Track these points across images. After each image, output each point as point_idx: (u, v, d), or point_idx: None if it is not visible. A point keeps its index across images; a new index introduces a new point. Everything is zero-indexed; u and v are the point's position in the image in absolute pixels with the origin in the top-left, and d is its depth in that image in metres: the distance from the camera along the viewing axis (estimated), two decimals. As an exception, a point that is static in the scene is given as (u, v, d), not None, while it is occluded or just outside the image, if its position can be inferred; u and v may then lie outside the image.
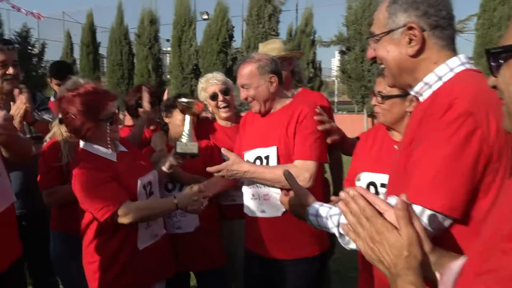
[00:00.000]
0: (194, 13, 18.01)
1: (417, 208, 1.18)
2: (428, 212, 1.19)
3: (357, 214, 1.09)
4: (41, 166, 2.60)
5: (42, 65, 20.63)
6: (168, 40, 20.38)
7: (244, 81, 2.42)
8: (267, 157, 2.38)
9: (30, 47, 20.54)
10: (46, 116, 3.08)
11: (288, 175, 1.73)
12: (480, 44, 12.82)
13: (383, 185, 2.01)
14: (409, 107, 1.98)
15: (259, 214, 2.42)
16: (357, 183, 2.14)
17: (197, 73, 17.84)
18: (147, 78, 18.39)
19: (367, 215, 1.07)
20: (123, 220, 2.14)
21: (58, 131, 2.57)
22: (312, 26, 15.93)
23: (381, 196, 2.00)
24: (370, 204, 1.09)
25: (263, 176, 2.30)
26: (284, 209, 2.27)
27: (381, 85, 2.05)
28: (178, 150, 2.42)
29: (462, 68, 1.34)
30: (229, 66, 17.04)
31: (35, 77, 19.45)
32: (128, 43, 19.47)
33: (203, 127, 3.00)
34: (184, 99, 2.51)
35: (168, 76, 19.47)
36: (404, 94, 1.95)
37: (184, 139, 2.43)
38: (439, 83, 1.34)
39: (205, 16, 18.03)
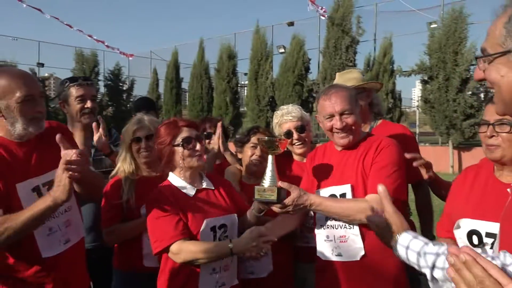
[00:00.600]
0: (270, 47, 18.48)
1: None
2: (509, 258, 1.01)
3: (474, 286, 0.89)
4: (103, 203, 2.61)
5: (131, 99, 22.38)
6: (245, 74, 21.07)
7: (345, 106, 2.18)
8: (343, 196, 2.19)
9: (120, 84, 22.44)
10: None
11: (383, 192, 1.52)
12: None
13: (488, 235, 1.75)
14: (491, 139, 1.73)
15: (334, 258, 2.21)
16: (456, 232, 1.87)
17: (273, 105, 18.10)
18: (225, 110, 19.06)
19: None
20: (174, 258, 2.10)
21: (121, 168, 2.58)
22: (391, 55, 15.49)
23: (487, 248, 1.76)
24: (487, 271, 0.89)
25: (330, 208, 2.09)
26: (363, 253, 2.11)
27: (493, 111, 1.69)
28: (256, 196, 2.10)
29: None
30: (304, 98, 17.08)
31: (124, 111, 21.09)
32: (208, 78, 20.45)
33: (278, 161, 2.91)
34: (265, 138, 2.21)
35: (245, 108, 20.00)
36: None
37: (265, 182, 2.09)
38: None
39: (282, 50, 18.38)
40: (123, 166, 2.56)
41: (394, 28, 15.91)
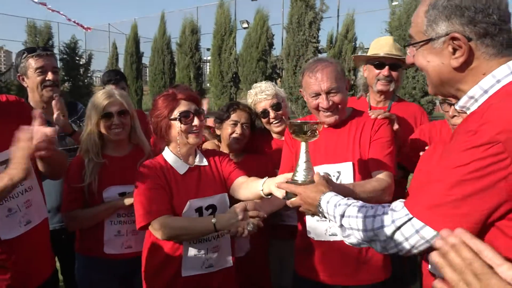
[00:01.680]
0: (234, 22, 18.18)
1: (418, 223, 1.15)
2: (430, 231, 1.14)
3: (461, 269, 0.84)
4: (64, 181, 2.44)
5: (89, 75, 21.51)
6: (208, 49, 20.68)
7: (332, 84, 2.06)
8: (337, 175, 2.12)
9: (77, 58, 21.47)
10: None
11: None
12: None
13: None
14: (453, 119, 1.82)
15: (327, 238, 2.15)
16: None
17: (236, 81, 17.95)
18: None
19: (476, 271, 0.82)
20: (157, 234, 2.03)
21: (85, 147, 2.36)
22: (354, 32, 15.62)
23: None
24: (477, 254, 0.84)
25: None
26: None
27: None
28: (289, 195, 1.72)
29: (508, 79, 1.14)
30: (268, 74, 17.03)
31: (81, 87, 20.27)
32: (170, 53, 19.93)
33: (257, 140, 2.84)
34: (297, 121, 1.78)
35: (208, 85, 19.71)
36: None
37: (298, 176, 1.72)
38: (485, 97, 1.16)
39: (245, 25, 18.13)
40: (87, 145, 2.37)
41: (356, 5, 16.00)
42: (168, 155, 2.16)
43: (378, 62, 2.70)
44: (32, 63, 2.66)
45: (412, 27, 1.25)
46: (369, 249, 2.12)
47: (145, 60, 22.00)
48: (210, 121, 3.00)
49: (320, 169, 2.12)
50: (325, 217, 1.55)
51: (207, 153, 2.29)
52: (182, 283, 2.09)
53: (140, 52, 21.31)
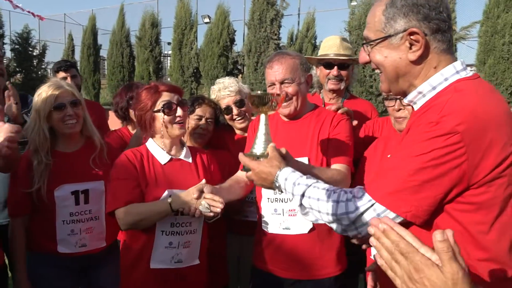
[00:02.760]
0: (195, 16, 17.97)
1: (380, 208, 1.24)
2: (391, 214, 1.24)
3: (391, 250, 0.96)
4: (11, 185, 2.30)
5: (43, 66, 20.57)
6: (169, 43, 20.34)
7: (286, 75, 2.13)
8: None
9: (30, 49, 20.49)
10: None
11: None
12: (482, 52, 12.73)
13: None
14: (398, 112, 1.95)
15: (281, 232, 2.20)
16: None
17: (197, 76, 17.77)
18: (147, 80, 18.32)
19: (402, 251, 0.95)
20: (120, 223, 2.03)
21: (34, 144, 2.19)
22: (315, 30, 15.85)
23: None
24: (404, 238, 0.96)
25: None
26: (311, 226, 2.15)
27: None
28: (245, 168, 1.73)
29: (457, 77, 1.28)
30: (229, 70, 16.97)
31: (35, 79, 19.38)
32: (129, 46, 19.42)
33: (220, 135, 2.85)
34: (258, 92, 1.78)
35: (169, 79, 19.40)
36: None
37: (256, 148, 1.73)
38: (433, 93, 1.30)
39: (206, 20, 17.96)
40: (36, 143, 2.21)
41: (317, 3, 16.23)
42: (152, 145, 2.16)
43: (328, 63, 2.81)
44: None
45: (368, 28, 1.35)
46: (323, 244, 2.17)
47: (103, 53, 21.35)
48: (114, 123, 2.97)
49: None
50: (281, 192, 1.57)
51: (194, 151, 2.28)
52: (153, 277, 2.09)
53: (98, 45, 20.63)
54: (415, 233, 1.13)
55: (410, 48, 1.28)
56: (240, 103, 2.74)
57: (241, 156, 1.69)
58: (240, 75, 17.56)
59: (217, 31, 16.78)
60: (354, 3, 15.34)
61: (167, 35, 19.18)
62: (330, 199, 1.35)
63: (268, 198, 2.24)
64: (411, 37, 1.27)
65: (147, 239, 2.09)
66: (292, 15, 16.87)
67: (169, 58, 20.90)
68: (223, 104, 2.77)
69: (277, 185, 1.55)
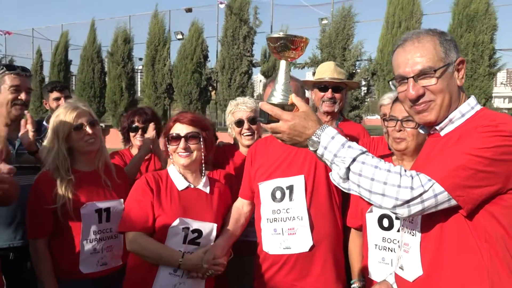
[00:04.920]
0: (168, 33, 17.97)
1: (439, 188, 1.33)
2: (446, 195, 1.34)
3: None
4: (31, 205, 2.28)
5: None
6: (140, 59, 20.19)
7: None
8: (290, 188, 2.19)
9: (-3, 64, 19.94)
10: None
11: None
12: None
13: (398, 218, 1.95)
14: (399, 133, 2.05)
15: (282, 252, 2.19)
16: (368, 216, 2.09)
17: (170, 93, 17.69)
18: (119, 96, 18.11)
19: None
20: (127, 243, 2.14)
21: (53, 166, 2.23)
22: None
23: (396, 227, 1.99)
24: None
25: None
26: (311, 244, 2.14)
27: (401, 110, 1.95)
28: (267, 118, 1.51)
29: (479, 106, 1.51)
30: (203, 86, 16.99)
31: None
32: (101, 61, 19.20)
33: (224, 152, 2.89)
34: (281, 33, 1.51)
35: (141, 95, 19.19)
36: None
37: (275, 98, 1.51)
38: (462, 120, 1.49)
39: (180, 36, 17.99)
40: (56, 163, 2.24)
41: (289, 21, 16.56)
42: (172, 170, 2.26)
43: (322, 86, 2.95)
44: (8, 80, 2.64)
45: (427, 60, 1.47)
46: (325, 262, 2.18)
47: (73, 69, 20.97)
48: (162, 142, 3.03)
49: (274, 183, 2.22)
50: (312, 151, 1.44)
51: (213, 181, 2.34)
52: None
53: (69, 60, 20.30)
54: (459, 229, 1.38)
55: (458, 75, 1.49)
56: (253, 120, 2.81)
57: (265, 105, 1.46)
58: (214, 91, 17.60)
59: (191, 47, 16.82)
60: (325, 22, 15.73)
61: (139, 51, 19.18)
62: (392, 169, 1.36)
63: (268, 219, 2.24)
64: (461, 65, 1.50)
65: (73, 248, 2.22)
66: (265, 32, 17.10)
67: (140, 74, 20.72)
68: (236, 117, 2.81)
69: (315, 140, 1.41)
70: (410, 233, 1.57)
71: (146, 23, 17.99)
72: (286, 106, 1.48)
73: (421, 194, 1.33)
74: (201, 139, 2.20)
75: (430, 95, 1.48)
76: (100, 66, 19.14)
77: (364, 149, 1.41)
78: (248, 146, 2.81)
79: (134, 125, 2.97)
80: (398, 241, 1.91)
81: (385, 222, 2.05)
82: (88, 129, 2.30)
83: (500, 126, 1.36)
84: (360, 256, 2.25)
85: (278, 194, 2.22)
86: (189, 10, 18.66)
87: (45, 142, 2.40)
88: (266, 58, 16.13)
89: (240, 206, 2.40)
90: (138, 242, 2.09)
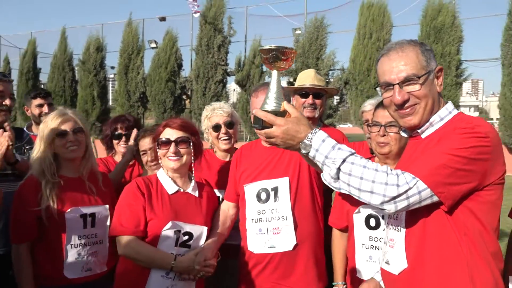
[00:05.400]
0: (142, 42, 17.84)
1: (422, 185, 1.43)
2: (429, 192, 1.44)
3: None
4: (15, 209, 2.26)
5: (-25, 90, 19.36)
6: (112, 67, 19.95)
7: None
8: (275, 189, 2.26)
9: (-38, 71, 19.27)
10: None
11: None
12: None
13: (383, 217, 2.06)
14: (382, 138, 2.13)
15: (266, 251, 2.26)
16: (356, 216, 2.16)
17: (144, 101, 17.51)
18: (91, 105, 17.80)
19: None
20: (118, 247, 2.14)
21: (39, 169, 2.23)
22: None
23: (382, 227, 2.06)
24: None
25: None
26: (295, 242, 2.21)
27: (384, 116, 2.07)
28: (261, 124, 1.59)
29: (456, 111, 1.63)
30: (177, 95, 16.90)
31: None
32: (72, 70, 18.84)
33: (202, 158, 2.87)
34: (273, 45, 1.59)
35: (113, 104, 18.91)
36: None
37: (268, 105, 1.58)
38: (441, 123, 1.61)
39: (153, 45, 17.88)
40: (41, 166, 2.25)
41: (263, 31, 16.72)
42: (161, 174, 2.29)
43: (304, 92, 3.03)
44: None
45: (411, 67, 1.58)
46: (308, 260, 2.25)
47: (43, 77, 20.47)
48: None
49: (259, 185, 2.29)
50: (304, 153, 1.53)
51: (201, 185, 2.38)
52: None
53: (38, 68, 19.82)
54: (440, 224, 1.49)
55: (438, 82, 1.61)
56: (229, 125, 2.84)
57: (259, 112, 1.54)
58: (188, 100, 17.52)
59: (165, 56, 16.74)
60: (298, 32, 15.98)
61: (111, 60, 18.95)
62: (379, 169, 1.46)
63: (253, 219, 2.30)
64: (439, 72, 1.62)
65: (57, 255, 2.20)
66: (239, 41, 17.25)
67: (111, 82, 20.44)
68: (213, 121, 2.83)
69: (307, 143, 1.50)
70: (395, 229, 1.66)
71: (119, 32, 17.84)
72: (278, 113, 1.57)
73: (406, 191, 1.43)
74: (191, 144, 2.25)
75: (414, 100, 1.59)
76: (71, 75, 18.81)
77: (353, 151, 1.50)
78: (225, 151, 2.86)
79: (117, 132, 2.95)
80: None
81: (372, 222, 2.13)
82: (71, 136, 2.31)
83: (476, 128, 1.48)
84: (344, 258, 2.32)
85: (263, 195, 2.28)
86: (163, 19, 18.61)
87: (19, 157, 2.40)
88: (241, 67, 16.22)
89: (226, 209, 2.45)
90: (131, 246, 2.11)
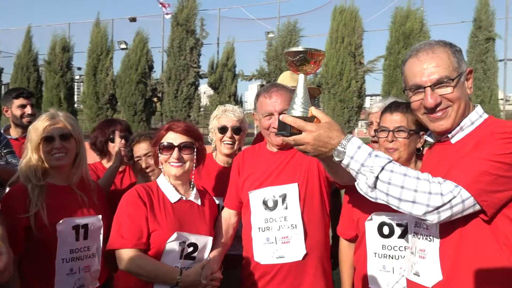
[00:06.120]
0: (111, 42, 17.43)
1: (465, 194, 1.36)
2: (472, 201, 1.37)
3: None
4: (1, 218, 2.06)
5: None
6: (79, 68, 19.42)
7: (285, 106, 1.95)
8: (283, 196, 2.14)
9: None
10: (12, 160, 2.78)
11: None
12: (387, 83, 13.93)
13: (399, 225, 1.98)
14: (391, 143, 2.03)
15: (275, 261, 2.13)
16: (368, 224, 2.06)
17: (113, 103, 17.10)
18: (57, 107, 17.24)
19: None
20: (118, 263, 1.95)
21: (25, 173, 2.07)
22: (234, 59, 16.18)
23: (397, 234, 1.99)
24: None
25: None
26: (305, 252, 2.11)
27: (392, 120, 2.00)
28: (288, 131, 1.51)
29: (486, 115, 1.58)
30: (148, 97, 16.59)
31: None
32: (37, 70, 18.20)
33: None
34: (301, 48, 1.52)
35: (81, 106, 18.41)
36: (419, 130, 1.98)
37: (295, 111, 1.51)
38: (472, 127, 1.55)
39: (123, 46, 17.51)
40: (26, 171, 2.07)
41: (236, 33, 16.66)
42: (162, 182, 2.13)
43: None
44: None
45: (443, 69, 1.52)
46: (316, 271, 2.16)
47: (5, 77, 19.66)
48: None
49: (266, 192, 2.18)
50: (337, 161, 1.44)
51: (203, 193, 2.25)
52: None
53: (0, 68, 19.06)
54: (479, 234, 1.42)
55: (468, 85, 1.55)
56: (237, 130, 2.70)
57: (287, 117, 1.46)
58: (159, 103, 17.22)
59: (136, 57, 16.42)
60: (271, 35, 16.01)
61: (79, 60, 18.43)
62: (421, 177, 1.38)
63: (259, 228, 2.17)
64: (469, 74, 1.56)
65: (46, 268, 2.03)
66: (212, 44, 17.12)
67: (76, 83, 19.88)
68: (220, 123, 2.70)
69: (340, 150, 1.42)
70: (427, 239, 1.58)
71: (87, 32, 17.37)
72: (306, 118, 1.47)
73: (450, 200, 1.36)
74: (195, 149, 2.12)
75: (447, 103, 1.53)
76: (36, 75, 18.17)
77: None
78: (226, 155, 2.74)
79: (111, 136, 2.78)
80: (400, 248, 1.95)
81: (385, 230, 2.04)
82: (58, 143, 2.12)
83: None
84: (352, 269, 2.25)
85: (270, 203, 2.17)
86: (133, 19, 18.26)
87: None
88: (213, 69, 16.09)
89: (228, 217, 2.34)
90: (133, 260, 1.93)
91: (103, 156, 2.88)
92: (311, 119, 1.48)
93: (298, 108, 1.50)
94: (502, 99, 15.48)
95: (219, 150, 2.77)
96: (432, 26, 14.32)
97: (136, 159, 2.58)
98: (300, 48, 1.49)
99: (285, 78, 3.08)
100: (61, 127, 2.15)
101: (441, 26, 15.67)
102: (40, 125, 2.11)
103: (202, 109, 17.11)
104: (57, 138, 2.13)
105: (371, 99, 17.43)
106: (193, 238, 2.04)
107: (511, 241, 1.42)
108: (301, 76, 1.53)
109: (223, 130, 2.71)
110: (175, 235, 1.98)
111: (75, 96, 20.15)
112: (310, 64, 1.50)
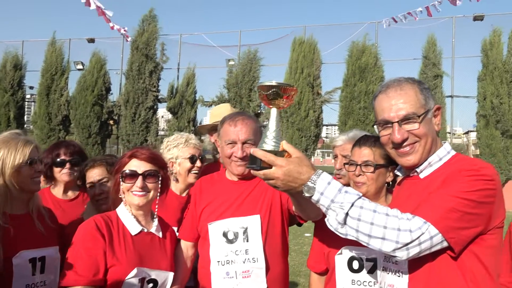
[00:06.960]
0: (67, 62, 16.95)
1: (433, 231, 1.38)
2: (440, 238, 1.39)
3: None
4: None
5: None
6: (31, 87, 18.66)
7: (250, 136, 2.08)
8: (244, 228, 2.06)
9: None
10: None
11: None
12: (344, 114, 14.35)
13: (368, 260, 1.96)
14: (358, 177, 2.03)
15: None
16: (338, 258, 2.02)
17: (66, 125, 16.50)
18: (5, 127, 16.38)
19: None
20: None
21: None
22: (194, 85, 16.14)
23: (365, 272, 1.97)
24: None
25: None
26: (265, 286, 2.04)
27: (360, 154, 2.02)
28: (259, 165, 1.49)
29: (454, 152, 1.63)
30: (104, 119, 16.14)
31: None
32: (-15, 88, 17.32)
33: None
34: (274, 82, 1.51)
35: (31, 127, 17.61)
36: (387, 165, 1.99)
37: (267, 145, 1.50)
38: (439, 163, 1.59)
39: (80, 66, 17.06)
40: None
41: (197, 59, 16.69)
42: (122, 212, 1.99)
43: None
44: None
45: (410, 106, 1.56)
46: None
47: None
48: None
49: (226, 224, 2.09)
50: (308, 196, 1.42)
51: (164, 224, 2.15)
52: None
53: None
54: (447, 270, 1.44)
55: (435, 121, 1.61)
56: (202, 158, 2.72)
57: (258, 151, 1.45)
58: (115, 126, 16.77)
59: (92, 78, 16.02)
60: (232, 63, 16.17)
61: (31, 79, 17.63)
62: (390, 213, 1.39)
63: (219, 261, 2.08)
64: (437, 111, 1.61)
65: None
66: (172, 69, 17.03)
67: (27, 103, 19.05)
68: (188, 153, 2.66)
69: (310, 186, 1.41)
70: (396, 274, 1.59)
71: (41, 50, 16.81)
72: (278, 153, 1.46)
73: (419, 237, 1.37)
74: (160, 178, 2.02)
75: (414, 138, 1.56)
76: (-17, 93, 17.25)
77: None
78: (190, 185, 2.65)
79: (59, 159, 2.61)
80: (370, 283, 1.95)
81: (355, 265, 2.02)
82: (39, 166, 2.07)
83: (482, 170, 1.47)
84: None
85: (230, 235, 2.08)
86: (91, 40, 17.92)
87: None
88: (173, 94, 15.96)
89: (185, 249, 2.23)
90: None
91: (49, 182, 2.70)
92: (282, 153, 1.47)
93: (269, 142, 1.48)
94: (449, 133, 16.35)
95: (182, 180, 2.70)
96: (386, 61, 15.02)
97: (88, 186, 2.45)
98: (273, 83, 1.48)
99: (225, 110, 3.04)
100: (39, 149, 2.13)
101: (394, 61, 16.42)
102: (21, 150, 2.03)
103: (160, 134, 16.83)
104: (38, 162, 2.10)
105: (327, 129, 17.87)
106: (153, 274, 1.94)
107: (478, 279, 1.45)
108: (273, 110, 1.53)
109: (192, 159, 2.68)
110: (135, 271, 1.87)
111: (25, 116, 19.24)
112: (283, 99, 1.50)
